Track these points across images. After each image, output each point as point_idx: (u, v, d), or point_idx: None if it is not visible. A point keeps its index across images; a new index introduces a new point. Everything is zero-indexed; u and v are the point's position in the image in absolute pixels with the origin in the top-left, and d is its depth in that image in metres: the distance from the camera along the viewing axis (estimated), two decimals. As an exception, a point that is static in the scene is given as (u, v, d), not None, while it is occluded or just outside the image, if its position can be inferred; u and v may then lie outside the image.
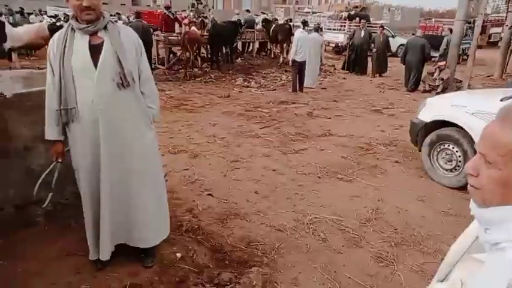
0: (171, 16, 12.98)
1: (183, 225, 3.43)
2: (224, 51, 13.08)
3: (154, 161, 2.75)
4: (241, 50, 15.42)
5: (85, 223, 2.70)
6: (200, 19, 13.87)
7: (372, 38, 13.19)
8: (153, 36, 11.46)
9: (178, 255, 3.01)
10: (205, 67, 12.30)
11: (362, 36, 13.17)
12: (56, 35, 2.43)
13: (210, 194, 4.19)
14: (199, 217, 3.65)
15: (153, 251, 2.89)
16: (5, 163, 2.97)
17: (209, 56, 12.92)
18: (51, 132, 2.52)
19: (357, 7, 26.22)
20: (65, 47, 2.33)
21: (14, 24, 12.28)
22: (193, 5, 18.19)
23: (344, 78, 13.03)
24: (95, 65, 2.34)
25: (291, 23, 15.66)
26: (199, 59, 12.53)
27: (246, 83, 11.03)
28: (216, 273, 2.86)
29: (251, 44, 15.29)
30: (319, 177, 4.75)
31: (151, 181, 2.71)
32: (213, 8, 32.70)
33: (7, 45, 9.62)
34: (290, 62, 10.30)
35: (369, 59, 13.66)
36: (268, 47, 15.62)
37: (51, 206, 3.36)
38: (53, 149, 2.58)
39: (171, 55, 12.69)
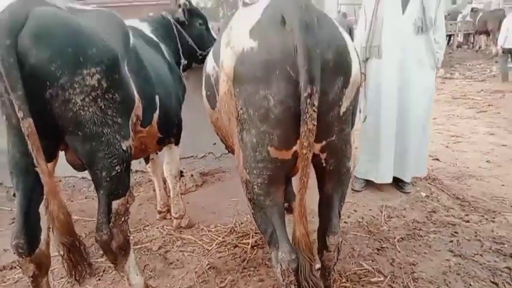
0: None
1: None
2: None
3: (429, 98, 3.21)
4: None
5: (363, 144, 3.36)
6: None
7: None
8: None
9: (423, 194, 3.33)
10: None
11: None
12: None
13: (436, 159, 4.33)
14: (434, 174, 3.84)
15: (410, 182, 3.38)
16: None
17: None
18: None
19: None
20: None
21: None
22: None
23: None
24: (403, 11, 2.97)
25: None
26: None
27: (448, 75, 10.40)
28: (464, 214, 3.03)
29: (451, 36, 14.20)
30: None
31: (422, 115, 3.20)
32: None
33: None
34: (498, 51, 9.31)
35: None
36: (472, 40, 14.18)
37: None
38: None
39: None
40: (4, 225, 3.10)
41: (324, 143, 1.46)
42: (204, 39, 2.99)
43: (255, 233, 2.68)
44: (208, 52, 2.96)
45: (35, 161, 1.41)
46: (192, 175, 3.65)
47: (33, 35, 1.36)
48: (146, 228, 2.92)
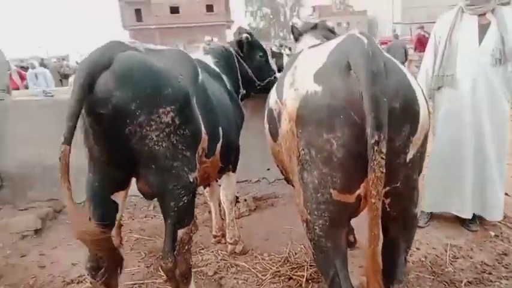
0: (427, 36, 12.93)
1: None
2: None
3: (505, 133, 3.01)
4: None
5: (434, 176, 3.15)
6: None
7: None
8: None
9: (492, 233, 3.08)
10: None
11: None
12: (445, 16, 3.05)
13: (506, 194, 3.98)
14: (504, 211, 3.55)
15: (476, 220, 3.15)
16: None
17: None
18: None
19: None
20: (454, 24, 2.92)
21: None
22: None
23: None
24: (480, 41, 2.83)
25: None
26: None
27: (515, 99, 9.68)
28: (541, 258, 2.76)
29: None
30: None
31: (500, 151, 2.99)
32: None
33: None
34: None
35: None
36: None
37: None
38: None
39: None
40: (73, 239, 3.33)
41: (387, 188, 1.43)
42: (263, 71, 3.07)
43: (310, 265, 2.64)
44: (266, 83, 3.07)
45: (60, 181, 1.48)
46: (245, 199, 3.70)
47: (117, 77, 1.50)
48: (202, 251, 2.99)
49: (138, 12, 41.15)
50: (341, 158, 1.35)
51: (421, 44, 12.91)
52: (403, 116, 1.33)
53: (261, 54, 3.07)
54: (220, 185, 2.95)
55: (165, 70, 1.63)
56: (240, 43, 2.95)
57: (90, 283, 1.82)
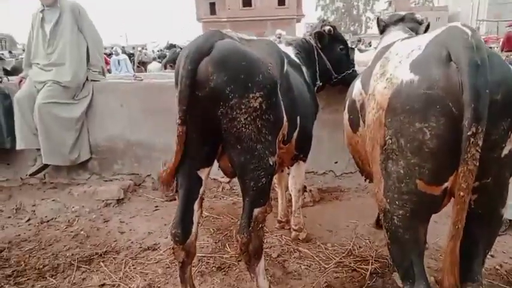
0: (516, 33, 11.75)
1: None
2: None
3: None
4: None
5: None
6: None
7: None
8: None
9: None
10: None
11: None
12: None
13: None
14: None
15: None
16: None
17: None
18: None
19: None
20: None
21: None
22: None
23: None
24: None
25: None
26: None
27: None
28: None
29: None
30: None
31: None
32: None
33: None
34: None
35: None
36: None
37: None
38: None
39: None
40: (149, 210, 3.65)
41: (477, 183, 1.40)
42: (341, 64, 3.08)
43: (375, 260, 2.64)
44: (342, 76, 3.08)
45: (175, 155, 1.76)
46: (310, 190, 3.76)
47: (216, 63, 1.64)
48: (266, 234, 3.10)
49: (212, 5, 42.52)
50: (433, 148, 1.35)
51: (509, 43, 11.80)
52: (503, 109, 1.31)
53: (341, 47, 3.09)
54: (288, 173, 3.04)
55: (257, 58, 1.74)
56: (320, 35, 2.98)
57: (173, 248, 2.02)
